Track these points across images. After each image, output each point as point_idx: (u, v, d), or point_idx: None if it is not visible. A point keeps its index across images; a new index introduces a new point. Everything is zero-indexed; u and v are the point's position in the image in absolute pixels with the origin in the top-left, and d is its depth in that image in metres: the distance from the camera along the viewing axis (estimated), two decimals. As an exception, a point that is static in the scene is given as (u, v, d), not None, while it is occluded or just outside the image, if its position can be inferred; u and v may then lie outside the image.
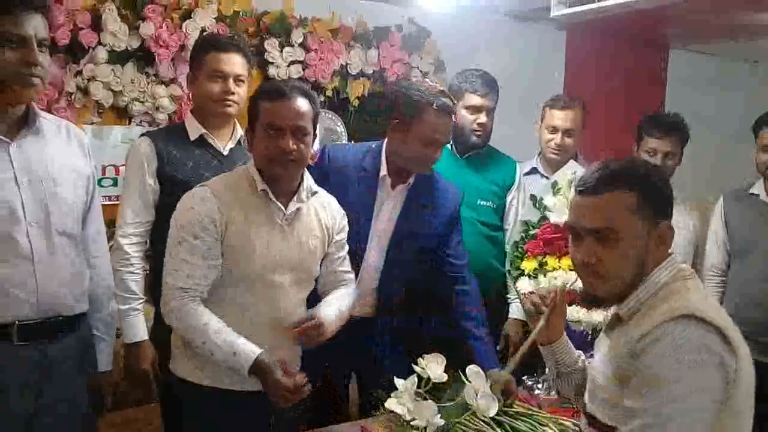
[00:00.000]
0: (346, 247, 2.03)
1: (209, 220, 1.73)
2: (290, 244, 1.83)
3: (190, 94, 2.32)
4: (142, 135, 2.20)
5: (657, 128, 2.75)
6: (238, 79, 2.16)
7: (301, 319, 1.82)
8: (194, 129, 2.16)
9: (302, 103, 1.77)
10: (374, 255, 2.23)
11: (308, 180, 1.88)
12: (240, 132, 2.25)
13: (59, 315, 1.71)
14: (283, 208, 1.81)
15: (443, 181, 2.29)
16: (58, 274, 1.71)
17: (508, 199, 2.67)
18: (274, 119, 1.74)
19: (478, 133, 2.58)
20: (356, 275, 2.16)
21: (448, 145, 2.66)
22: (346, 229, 2.01)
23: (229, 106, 2.16)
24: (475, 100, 2.55)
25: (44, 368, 1.69)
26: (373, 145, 2.26)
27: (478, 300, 2.25)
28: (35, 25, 1.60)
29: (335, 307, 1.90)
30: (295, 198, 1.83)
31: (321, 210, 1.93)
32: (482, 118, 2.57)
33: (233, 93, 2.15)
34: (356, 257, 2.16)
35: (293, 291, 1.86)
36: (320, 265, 1.96)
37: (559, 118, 2.73)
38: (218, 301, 1.78)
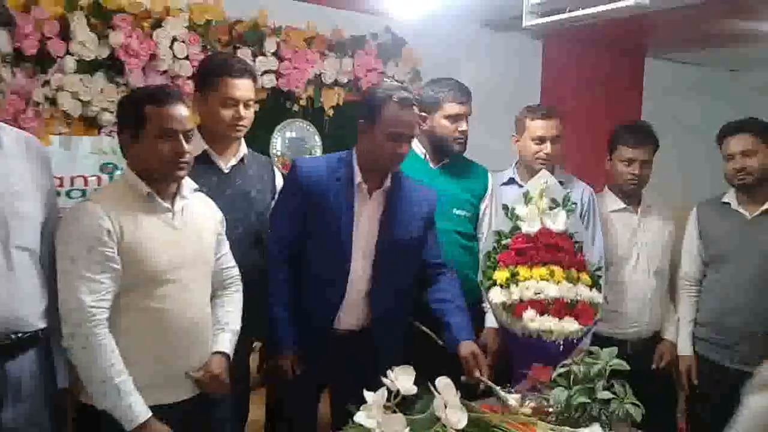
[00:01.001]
0: (227, 243, 2.08)
1: (102, 231, 1.71)
2: (187, 240, 1.86)
3: (197, 111, 2.32)
4: None
5: (632, 138, 2.79)
6: (247, 104, 2.24)
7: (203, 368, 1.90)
8: (198, 145, 2.15)
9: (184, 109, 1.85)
10: (360, 265, 2.23)
11: (187, 178, 1.92)
12: (244, 149, 2.34)
13: (19, 331, 1.68)
14: (170, 206, 1.84)
15: (416, 182, 2.33)
16: (17, 290, 1.68)
17: (482, 207, 2.67)
18: (168, 124, 1.79)
19: (460, 140, 2.60)
20: (344, 288, 2.21)
21: (422, 155, 2.64)
22: (224, 223, 2.06)
23: (240, 131, 2.26)
24: (456, 108, 2.57)
25: (3, 385, 1.65)
26: (344, 154, 2.26)
27: (455, 285, 2.32)
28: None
29: (230, 335, 2.00)
30: (178, 196, 1.87)
31: (203, 205, 2.00)
32: (463, 125, 2.58)
33: (245, 118, 2.23)
34: (341, 269, 2.19)
35: (200, 286, 1.90)
36: None
37: (544, 127, 2.72)
38: (128, 311, 1.77)
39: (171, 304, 1.81)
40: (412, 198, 2.29)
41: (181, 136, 1.81)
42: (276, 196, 2.40)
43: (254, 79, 2.28)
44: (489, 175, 2.72)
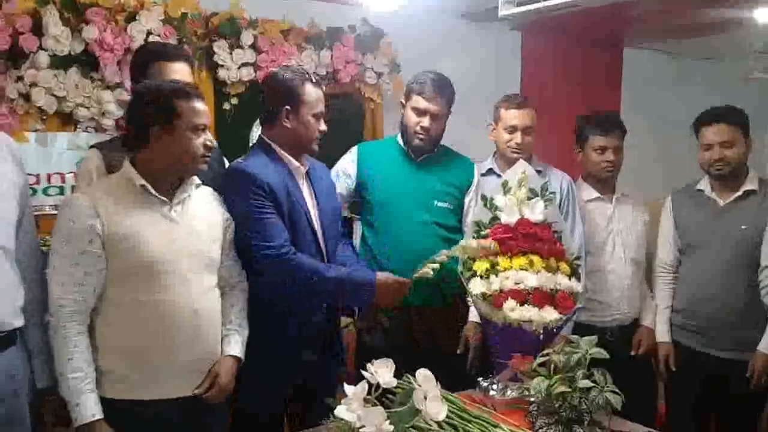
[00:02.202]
0: (234, 249, 2.07)
1: (88, 228, 1.72)
2: (182, 232, 1.85)
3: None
4: (92, 146, 2.14)
5: (603, 127, 2.82)
6: None
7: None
8: None
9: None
10: (321, 239, 2.29)
11: None
12: None
13: None
14: (167, 200, 1.84)
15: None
16: None
17: (466, 200, 2.66)
18: (200, 119, 1.84)
19: (421, 136, 2.56)
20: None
21: (403, 146, 2.65)
22: (231, 222, 2.06)
23: None
24: (420, 102, 2.54)
25: None
26: (260, 149, 2.27)
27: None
28: None
29: (242, 339, 2.03)
30: (178, 190, 1.88)
31: (209, 199, 2.00)
32: (425, 121, 2.54)
33: None
34: (319, 253, 2.25)
35: (197, 278, 1.88)
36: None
37: (517, 116, 2.72)
38: (122, 304, 1.78)
39: (170, 295, 1.81)
40: (323, 173, 2.42)
41: (207, 131, 1.87)
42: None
43: (191, 65, 2.25)
44: (475, 167, 2.72)
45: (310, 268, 2.13)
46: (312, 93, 2.19)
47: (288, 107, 2.18)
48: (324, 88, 2.29)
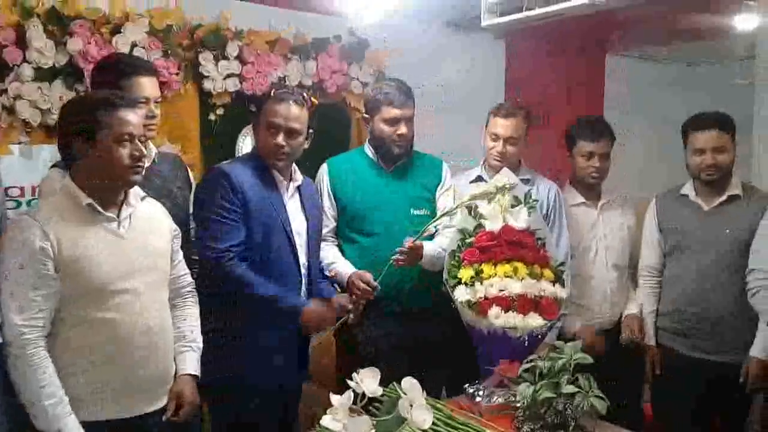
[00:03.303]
0: (180, 251, 2.06)
1: (36, 249, 1.68)
2: (132, 248, 1.83)
3: None
4: (53, 166, 2.10)
5: (591, 133, 2.83)
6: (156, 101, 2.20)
7: None
8: None
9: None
10: (302, 257, 2.34)
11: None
12: (153, 150, 2.26)
13: None
14: (114, 216, 1.81)
15: None
16: None
17: (437, 197, 2.67)
18: (125, 129, 1.78)
19: (399, 144, 2.57)
20: (301, 281, 2.31)
21: (373, 158, 2.65)
22: (177, 230, 2.04)
23: (151, 130, 2.20)
24: (392, 112, 2.54)
25: None
26: (246, 157, 2.38)
27: None
28: None
29: (196, 354, 2.03)
30: (124, 204, 1.84)
31: (153, 211, 1.97)
32: (402, 128, 2.55)
33: (155, 116, 2.21)
34: (296, 264, 2.29)
35: (149, 295, 1.86)
36: None
37: (501, 125, 2.74)
38: (78, 323, 1.75)
39: (123, 314, 1.79)
40: (309, 184, 2.49)
41: (137, 140, 1.79)
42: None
43: (156, 76, 2.24)
44: (443, 165, 2.73)
45: (243, 280, 2.15)
46: (269, 106, 2.25)
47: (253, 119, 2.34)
48: (286, 100, 2.28)
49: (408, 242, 2.33)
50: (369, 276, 2.40)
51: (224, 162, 2.36)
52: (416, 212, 2.59)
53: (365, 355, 2.45)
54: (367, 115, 2.65)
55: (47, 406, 1.67)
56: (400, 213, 2.55)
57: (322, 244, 2.53)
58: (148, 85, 2.16)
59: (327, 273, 2.50)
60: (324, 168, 2.66)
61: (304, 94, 2.33)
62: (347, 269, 2.50)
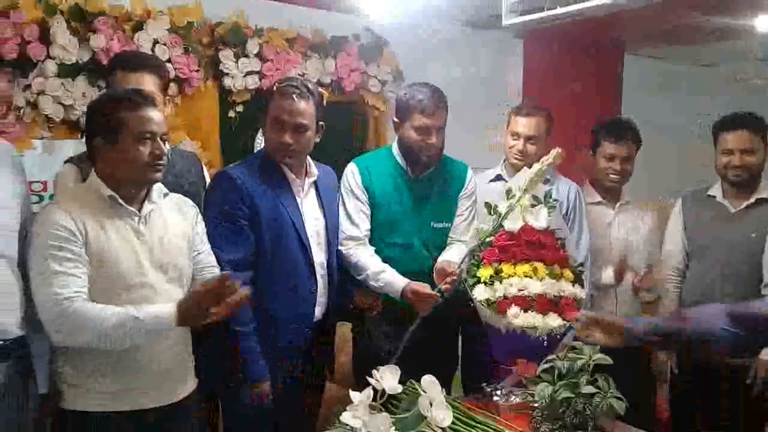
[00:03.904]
0: (207, 241, 2.05)
1: (68, 231, 1.71)
2: (151, 244, 1.84)
3: None
4: (67, 161, 2.12)
5: (615, 133, 2.82)
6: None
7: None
8: None
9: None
10: (319, 254, 2.31)
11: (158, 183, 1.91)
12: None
13: None
14: (136, 211, 1.83)
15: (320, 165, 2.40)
16: None
17: (459, 204, 2.58)
18: (146, 127, 1.79)
19: (430, 153, 2.46)
20: (316, 280, 2.27)
21: (402, 164, 2.53)
22: (202, 222, 2.04)
23: None
24: (423, 120, 2.41)
25: None
26: (255, 157, 2.32)
27: None
28: None
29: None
30: (147, 200, 1.86)
31: (176, 209, 1.97)
32: (432, 138, 2.42)
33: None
34: (307, 263, 2.25)
35: (168, 291, 1.86)
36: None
37: (522, 124, 2.74)
38: None
39: None
40: (329, 180, 2.43)
41: (158, 139, 1.81)
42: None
43: (158, 74, 2.18)
44: (468, 171, 2.62)
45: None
46: (275, 101, 2.20)
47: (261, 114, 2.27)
48: (293, 95, 2.20)
49: (449, 268, 2.27)
50: (427, 287, 2.30)
51: (232, 165, 2.31)
52: (437, 225, 2.52)
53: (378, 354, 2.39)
54: (396, 119, 2.52)
55: (127, 314, 1.69)
56: (421, 225, 2.48)
57: (360, 249, 2.43)
58: (148, 83, 2.12)
59: (373, 283, 2.40)
60: (354, 168, 2.52)
61: (309, 86, 2.24)
62: (399, 280, 2.37)
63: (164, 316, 1.71)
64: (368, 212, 2.48)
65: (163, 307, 1.74)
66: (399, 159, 2.53)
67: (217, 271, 2.05)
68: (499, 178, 2.82)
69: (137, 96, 1.83)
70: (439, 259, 2.40)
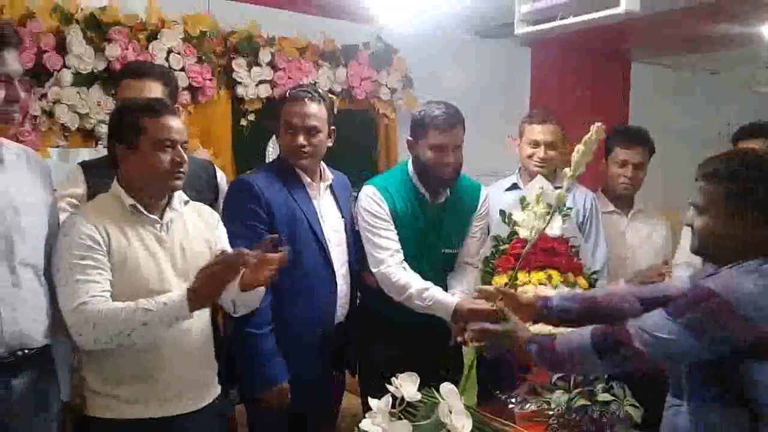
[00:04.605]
0: (228, 247, 2.02)
1: (90, 239, 1.72)
2: (173, 251, 1.85)
3: None
4: (80, 163, 2.14)
5: (627, 140, 2.82)
6: None
7: None
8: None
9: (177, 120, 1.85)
10: (339, 256, 2.32)
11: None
12: None
13: (25, 348, 1.68)
14: (158, 219, 1.84)
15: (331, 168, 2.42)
16: (23, 307, 1.67)
17: (472, 229, 2.52)
18: (167, 135, 1.80)
19: (447, 171, 2.36)
20: (335, 282, 2.29)
21: (419, 186, 2.43)
22: (223, 228, 2.05)
23: None
24: (438, 138, 2.32)
25: (9, 403, 1.66)
26: (272, 164, 2.36)
27: None
28: (13, 61, 1.61)
29: None
30: (168, 208, 1.87)
31: (196, 216, 1.98)
32: (449, 157, 2.34)
33: None
34: (326, 266, 2.26)
35: None
36: None
37: (540, 132, 2.74)
38: None
39: None
40: (343, 184, 2.46)
41: (179, 147, 1.83)
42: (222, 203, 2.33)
43: (164, 82, 2.17)
44: (482, 192, 2.55)
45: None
46: (286, 107, 2.24)
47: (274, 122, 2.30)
48: (299, 99, 2.24)
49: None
50: (484, 302, 2.10)
51: (249, 172, 2.35)
52: (447, 251, 2.48)
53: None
54: (411, 138, 2.43)
55: (140, 307, 1.69)
56: (432, 250, 2.43)
57: (399, 268, 2.31)
58: (155, 90, 2.13)
59: (419, 302, 2.25)
60: (376, 192, 2.39)
61: (320, 91, 2.30)
62: (449, 298, 2.23)
63: (174, 300, 1.71)
64: (395, 232, 2.38)
65: (172, 294, 1.74)
66: (417, 183, 2.43)
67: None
68: (515, 187, 2.80)
69: (159, 104, 1.84)
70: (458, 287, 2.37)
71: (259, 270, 1.86)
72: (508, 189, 2.79)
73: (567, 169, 2.06)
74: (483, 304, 2.05)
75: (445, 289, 2.37)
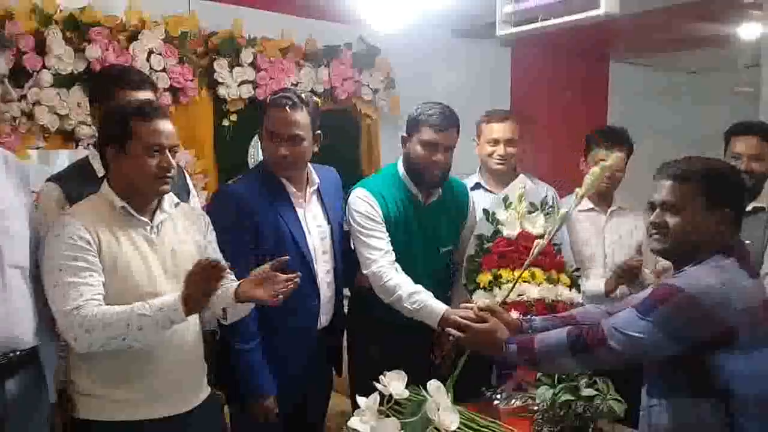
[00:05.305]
0: (219, 251, 2.02)
1: (81, 239, 1.72)
2: (163, 253, 1.85)
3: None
4: (49, 180, 2.07)
5: (608, 141, 2.86)
6: None
7: None
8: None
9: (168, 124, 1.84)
10: (324, 263, 2.31)
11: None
12: None
13: (16, 350, 1.67)
14: (148, 221, 1.84)
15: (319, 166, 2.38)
16: (12, 308, 1.67)
17: (465, 231, 2.54)
18: (156, 139, 1.79)
19: (434, 172, 2.34)
20: (318, 290, 2.26)
21: (411, 187, 2.41)
22: (213, 232, 2.03)
23: None
24: (430, 134, 2.30)
25: (3, 405, 1.65)
26: (254, 172, 2.34)
27: None
28: (3, 64, 1.63)
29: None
30: (158, 210, 1.87)
31: (186, 218, 1.97)
32: (438, 156, 2.31)
33: None
34: (309, 274, 2.22)
35: None
36: None
37: (498, 129, 2.81)
38: None
39: None
40: (330, 185, 2.40)
41: (167, 152, 1.82)
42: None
43: (154, 90, 2.15)
44: (468, 191, 2.60)
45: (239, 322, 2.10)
46: (269, 113, 2.20)
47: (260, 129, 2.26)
48: (284, 106, 2.17)
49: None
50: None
51: (231, 182, 2.30)
52: (443, 250, 2.47)
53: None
54: (405, 135, 2.41)
55: (137, 311, 1.68)
56: (427, 250, 2.41)
57: (391, 269, 2.27)
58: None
59: (407, 306, 2.20)
60: (368, 195, 2.35)
61: (303, 96, 2.22)
62: (437, 304, 2.17)
63: (169, 303, 1.70)
64: (386, 233, 2.35)
65: (166, 297, 1.73)
66: (407, 182, 2.41)
67: (230, 278, 2.00)
68: (478, 186, 2.85)
69: (150, 107, 1.83)
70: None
71: (265, 286, 1.84)
72: (473, 188, 2.82)
73: (578, 189, 2.09)
74: (470, 314, 2.01)
75: (448, 287, 2.40)
